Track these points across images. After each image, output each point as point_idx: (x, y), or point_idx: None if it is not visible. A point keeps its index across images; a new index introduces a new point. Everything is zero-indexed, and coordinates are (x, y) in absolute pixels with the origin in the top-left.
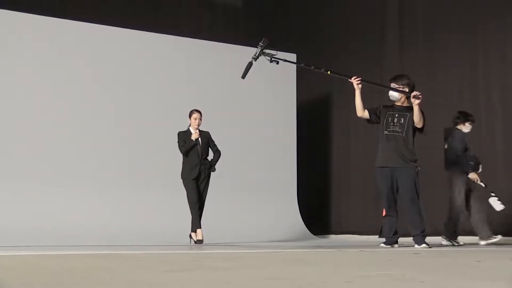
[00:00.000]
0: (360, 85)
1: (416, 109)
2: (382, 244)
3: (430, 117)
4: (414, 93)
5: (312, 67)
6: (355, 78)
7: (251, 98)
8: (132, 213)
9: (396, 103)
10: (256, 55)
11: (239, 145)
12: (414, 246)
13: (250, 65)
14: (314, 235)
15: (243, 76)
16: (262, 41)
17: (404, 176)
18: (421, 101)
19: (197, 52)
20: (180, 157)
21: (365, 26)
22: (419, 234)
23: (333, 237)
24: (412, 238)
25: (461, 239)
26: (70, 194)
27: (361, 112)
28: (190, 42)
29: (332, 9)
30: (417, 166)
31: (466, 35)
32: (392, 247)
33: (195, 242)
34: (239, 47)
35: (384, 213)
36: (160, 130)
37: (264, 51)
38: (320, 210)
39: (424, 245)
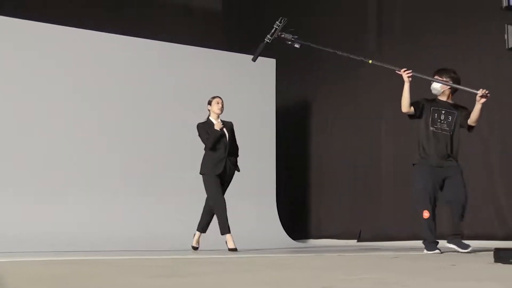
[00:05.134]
0: (410, 78)
1: (479, 108)
2: (429, 252)
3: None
4: (483, 92)
5: (346, 54)
6: (405, 71)
7: (229, 103)
8: (119, 219)
9: (439, 97)
10: (272, 36)
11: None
12: (457, 250)
13: (263, 46)
14: (293, 239)
15: (254, 59)
16: (279, 20)
17: (454, 177)
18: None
19: (176, 57)
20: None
21: (345, 31)
22: (433, 242)
23: (312, 241)
24: (447, 241)
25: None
26: (54, 200)
27: (408, 108)
28: (170, 47)
29: (312, 14)
30: None
31: (445, 36)
32: (440, 251)
33: (229, 250)
34: (218, 52)
35: (427, 215)
36: (141, 135)
37: (280, 33)
38: (299, 214)
39: (471, 248)
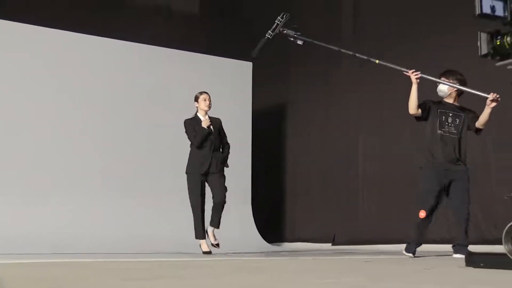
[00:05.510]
0: (418, 80)
1: (489, 112)
2: (406, 253)
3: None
4: (493, 96)
5: (351, 53)
6: (413, 72)
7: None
8: (101, 221)
9: (445, 100)
10: (273, 31)
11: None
12: (453, 255)
13: (264, 42)
14: (268, 243)
15: (255, 54)
16: (281, 16)
17: (460, 181)
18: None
19: (155, 59)
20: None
21: (321, 38)
22: (418, 245)
23: (286, 244)
24: (452, 246)
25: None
26: (35, 201)
27: (415, 109)
28: (149, 49)
29: (291, 18)
30: None
31: (419, 45)
32: (413, 256)
33: (203, 253)
34: (195, 55)
35: (423, 215)
36: (121, 137)
37: (282, 29)
38: (274, 217)
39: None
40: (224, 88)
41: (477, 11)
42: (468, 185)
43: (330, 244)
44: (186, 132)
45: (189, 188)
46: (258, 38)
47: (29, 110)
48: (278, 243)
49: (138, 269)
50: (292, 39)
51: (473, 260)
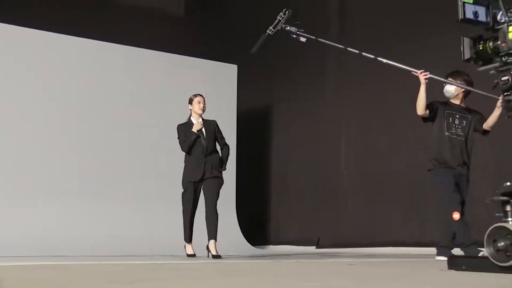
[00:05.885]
0: (427, 80)
1: (498, 114)
2: (440, 257)
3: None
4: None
5: (357, 52)
6: (422, 72)
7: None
8: (82, 223)
9: (452, 101)
10: (274, 27)
11: (178, 155)
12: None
13: (264, 38)
14: (253, 245)
15: (254, 50)
16: (283, 12)
17: (465, 184)
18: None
19: (138, 61)
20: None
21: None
22: (471, 245)
23: (271, 247)
24: (464, 252)
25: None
26: (17, 204)
27: (423, 110)
28: (132, 51)
29: (273, 21)
30: None
31: (407, 46)
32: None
33: (187, 256)
34: (180, 57)
35: (457, 216)
36: (101, 139)
37: (284, 25)
38: (258, 220)
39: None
40: (209, 90)
41: (460, 16)
42: (467, 189)
43: (315, 247)
44: (178, 137)
45: (182, 194)
46: (243, 40)
47: (11, 113)
48: (262, 246)
49: (120, 272)
50: (294, 36)
51: (455, 263)
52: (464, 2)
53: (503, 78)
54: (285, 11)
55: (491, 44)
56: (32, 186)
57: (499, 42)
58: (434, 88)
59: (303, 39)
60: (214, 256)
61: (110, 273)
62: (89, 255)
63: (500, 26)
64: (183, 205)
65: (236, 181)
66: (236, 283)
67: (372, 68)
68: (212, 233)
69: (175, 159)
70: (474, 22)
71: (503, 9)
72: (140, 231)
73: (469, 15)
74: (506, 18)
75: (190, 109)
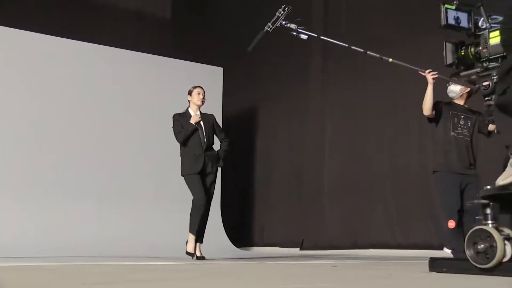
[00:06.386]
0: (434, 80)
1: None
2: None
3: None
4: None
5: (362, 50)
6: (429, 71)
7: (176, 110)
8: (70, 225)
9: (456, 101)
10: (273, 24)
11: (163, 158)
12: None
13: (262, 35)
14: (237, 247)
15: (251, 48)
16: (282, 8)
17: (475, 186)
18: None
19: (124, 62)
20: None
21: (292, 44)
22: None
23: (255, 249)
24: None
25: None
26: (8, 207)
27: (430, 110)
28: (118, 52)
29: (259, 24)
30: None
31: (394, 48)
32: None
33: (186, 253)
34: (166, 59)
35: (453, 225)
36: (87, 140)
37: (284, 22)
38: (243, 222)
39: None
40: None
41: (443, 22)
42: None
43: (299, 248)
44: (172, 127)
45: (190, 189)
46: (229, 43)
47: (7, 115)
48: (247, 248)
49: (104, 273)
50: (295, 33)
51: (436, 265)
52: (446, 8)
53: (484, 84)
54: (285, 7)
55: (472, 49)
56: (30, 186)
57: (480, 48)
58: (435, 88)
59: (304, 37)
60: (198, 258)
61: (91, 274)
62: (78, 255)
63: (482, 32)
64: (195, 200)
65: (221, 183)
66: (219, 285)
67: (356, 70)
68: (200, 236)
69: (173, 159)
70: (456, 28)
71: (484, 16)
72: (134, 232)
73: (451, 21)
74: (487, 25)
75: (189, 100)
